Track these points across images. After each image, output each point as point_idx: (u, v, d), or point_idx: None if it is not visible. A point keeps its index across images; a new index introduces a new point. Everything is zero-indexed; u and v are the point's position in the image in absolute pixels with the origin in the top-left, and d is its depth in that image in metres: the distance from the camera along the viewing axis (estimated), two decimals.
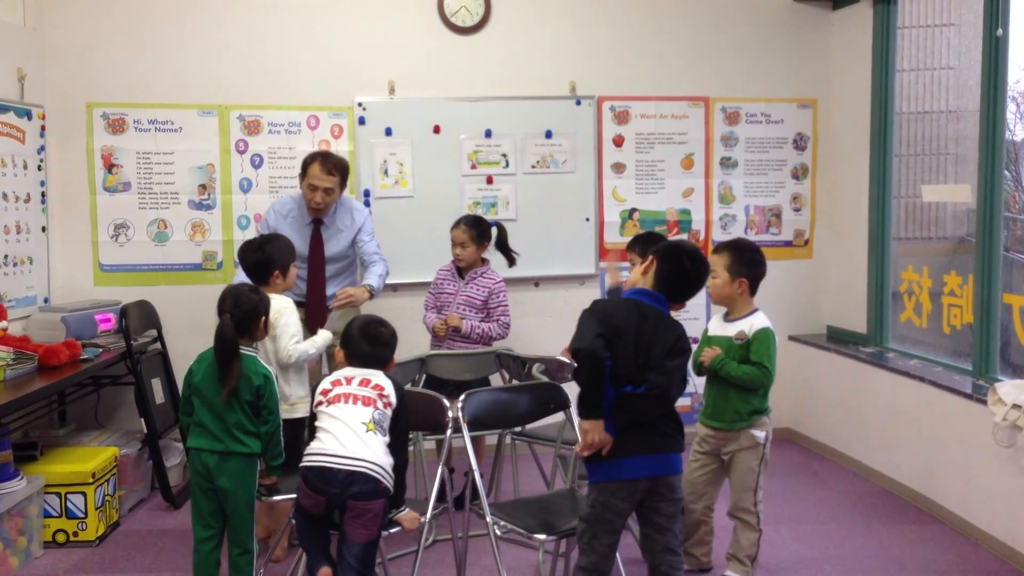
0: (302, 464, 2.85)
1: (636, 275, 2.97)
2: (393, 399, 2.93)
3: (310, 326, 4.26)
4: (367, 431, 2.82)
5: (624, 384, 2.75)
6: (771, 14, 5.53)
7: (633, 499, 2.80)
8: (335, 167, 4.29)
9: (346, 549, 2.82)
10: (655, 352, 2.77)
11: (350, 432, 2.82)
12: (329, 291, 4.43)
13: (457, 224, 4.42)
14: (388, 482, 2.83)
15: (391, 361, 3.08)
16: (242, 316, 3.18)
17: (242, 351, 3.18)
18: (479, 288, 4.41)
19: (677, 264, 2.87)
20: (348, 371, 2.99)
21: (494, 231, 4.51)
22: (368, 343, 3.01)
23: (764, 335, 3.45)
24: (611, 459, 2.76)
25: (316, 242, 4.42)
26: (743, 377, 3.42)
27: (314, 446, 2.85)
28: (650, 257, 2.92)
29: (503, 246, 4.54)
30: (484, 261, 4.48)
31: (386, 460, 2.84)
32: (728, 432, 3.49)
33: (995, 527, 3.94)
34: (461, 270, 4.45)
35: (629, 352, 2.75)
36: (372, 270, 4.40)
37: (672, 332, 2.82)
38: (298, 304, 4.30)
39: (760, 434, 3.49)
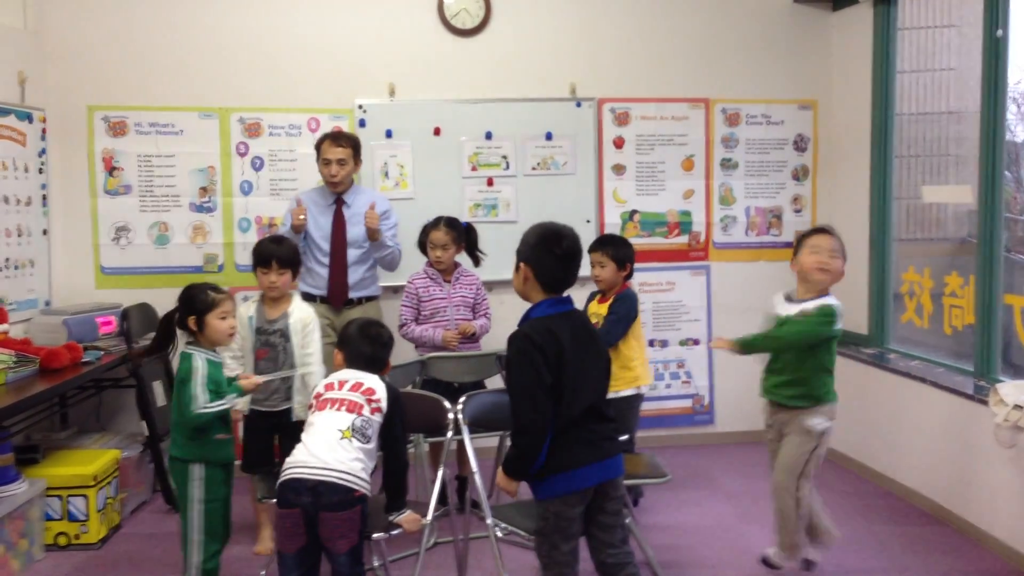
0: (277, 484, 2.83)
1: (516, 280, 2.81)
2: (384, 404, 2.91)
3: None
4: (342, 438, 2.81)
5: (584, 407, 2.70)
6: (771, 15, 5.53)
7: (584, 503, 2.75)
8: (345, 139, 4.49)
9: (333, 561, 2.80)
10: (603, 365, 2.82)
11: (322, 441, 2.81)
12: (350, 279, 4.48)
13: (437, 225, 4.37)
14: (363, 487, 2.80)
15: (388, 363, 3.08)
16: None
17: (187, 349, 3.23)
18: (467, 287, 4.45)
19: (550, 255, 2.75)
20: (344, 374, 2.98)
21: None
22: (369, 344, 3.00)
23: (824, 308, 3.39)
24: (560, 473, 2.68)
25: (339, 222, 4.48)
26: (753, 340, 3.46)
27: (287, 460, 2.85)
28: (521, 266, 2.76)
29: (472, 247, 4.55)
30: (456, 262, 4.49)
31: (360, 466, 2.81)
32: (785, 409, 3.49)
33: (997, 528, 3.94)
34: (441, 272, 4.43)
35: (587, 378, 2.71)
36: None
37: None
38: (310, 296, 4.43)
39: (817, 422, 3.44)
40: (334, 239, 4.48)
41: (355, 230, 4.49)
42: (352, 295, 4.50)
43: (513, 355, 2.67)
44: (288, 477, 2.79)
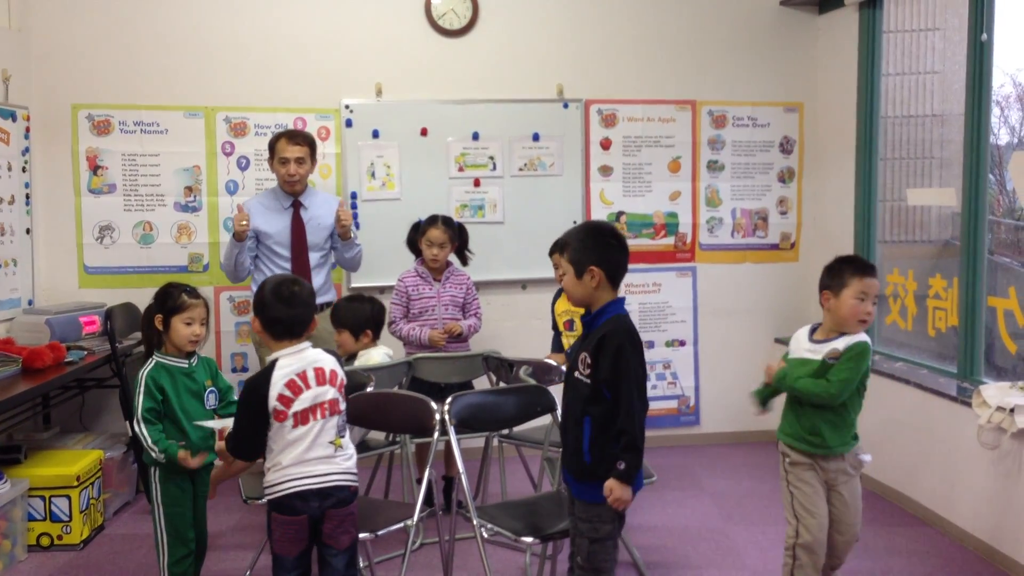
0: (270, 498, 2.71)
1: (581, 286, 2.71)
2: (344, 378, 2.82)
3: None
4: (336, 450, 2.74)
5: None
6: (758, 18, 5.55)
7: None
8: (302, 137, 4.40)
9: (333, 558, 2.76)
10: None
11: (318, 456, 2.71)
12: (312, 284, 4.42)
13: (435, 223, 4.37)
14: (356, 482, 2.80)
15: (314, 321, 2.85)
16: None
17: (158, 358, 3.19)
18: (457, 287, 4.46)
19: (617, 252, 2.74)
20: (295, 362, 2.72)
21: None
22: (285, 305, 2.72)
23: (857, 347, 3.00)
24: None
25: (297, 224, 4.40)
26: (803, 390, 3.06)
27: (276, 476, 2.69)
28: (589, 268, 2.67)
29: (463, 247, 4.57)
30: (448, 261, 4.50)
31: (353, 461, 2.80)
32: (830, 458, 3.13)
33: (979, 529, 3.96)
34: (433, 271, 4.44)
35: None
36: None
37: None
38: None
39: (867, 457, 3.15)
40: (294, 244, 4.37)
41: (314, 234, 4.42)
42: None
43: (624, 346, 2.61)
44: (297, 490, 2.69)
